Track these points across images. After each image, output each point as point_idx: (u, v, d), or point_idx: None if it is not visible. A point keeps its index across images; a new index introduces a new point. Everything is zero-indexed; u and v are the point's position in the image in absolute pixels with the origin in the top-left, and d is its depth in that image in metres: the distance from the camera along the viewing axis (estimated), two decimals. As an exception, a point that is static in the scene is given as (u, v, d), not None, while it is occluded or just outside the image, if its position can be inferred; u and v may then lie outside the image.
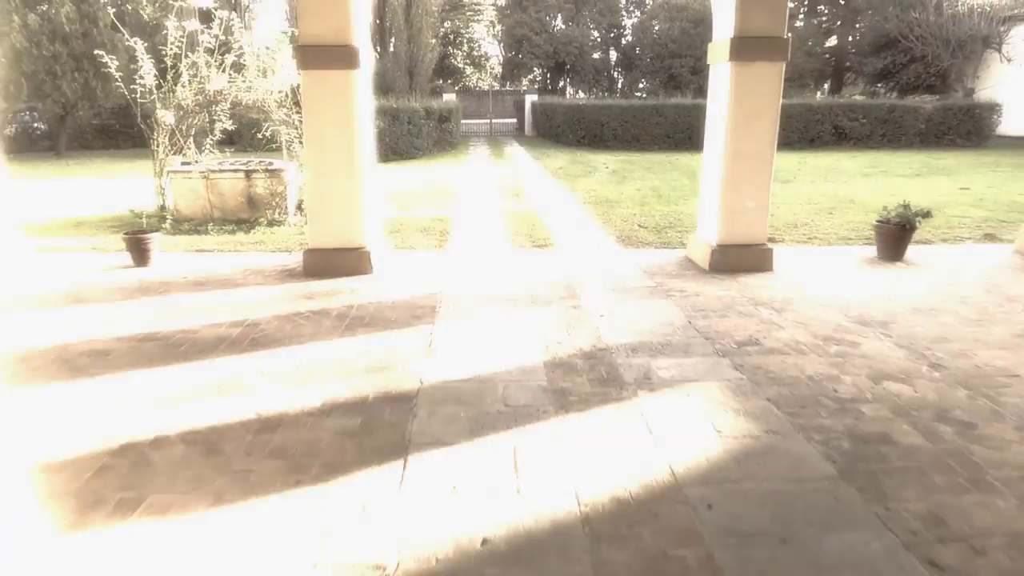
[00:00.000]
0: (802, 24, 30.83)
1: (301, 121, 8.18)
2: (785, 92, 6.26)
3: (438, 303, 4.89)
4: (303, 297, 5.06)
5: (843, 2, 30.52)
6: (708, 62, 5.94)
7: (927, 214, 6.12)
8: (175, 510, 2.37)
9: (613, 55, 35.58)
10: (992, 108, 19.76)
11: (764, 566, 2.09)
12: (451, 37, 38.04)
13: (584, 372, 3.62)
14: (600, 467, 2.65)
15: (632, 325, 4.40)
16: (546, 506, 2.38)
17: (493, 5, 36.34)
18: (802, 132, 19.27)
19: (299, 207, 8.43)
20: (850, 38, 30.38)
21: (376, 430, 2.96)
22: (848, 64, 29.96)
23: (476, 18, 37.62)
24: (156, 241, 6.15)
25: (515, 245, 7.01)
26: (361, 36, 5.54)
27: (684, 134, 19.45)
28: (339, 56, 5.37)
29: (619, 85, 34.74)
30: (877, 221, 6.30)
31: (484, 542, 2.19)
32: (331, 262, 5.64)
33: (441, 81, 35.11)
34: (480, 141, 24.55)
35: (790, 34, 5.50)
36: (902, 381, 3.48)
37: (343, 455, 2.75)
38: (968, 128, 19.57)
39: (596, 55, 34.33)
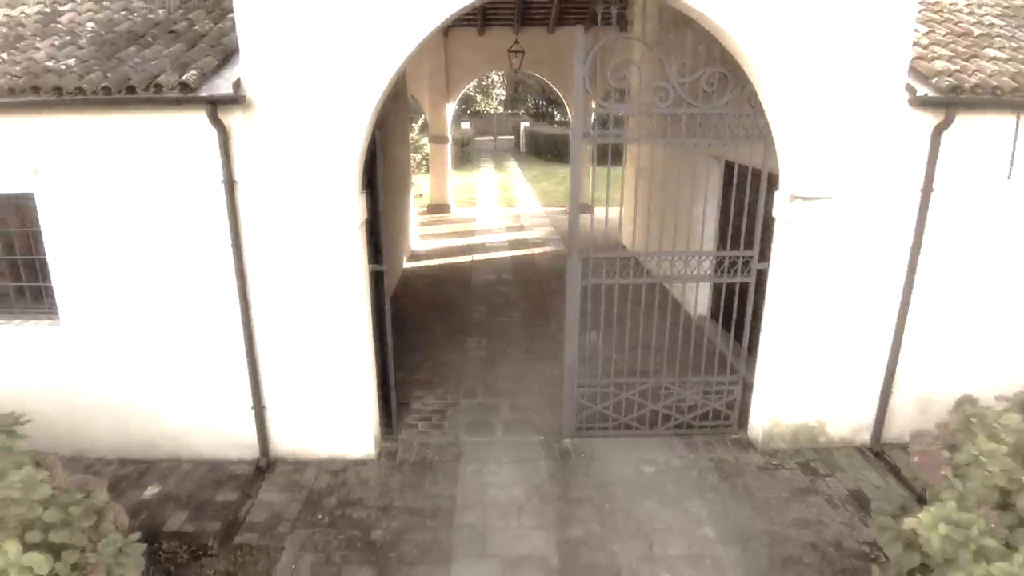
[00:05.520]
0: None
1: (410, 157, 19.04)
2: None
3: (476, 218, 15.69)
4: (434, 217, 15.87)
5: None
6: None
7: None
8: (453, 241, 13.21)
9: (591, 87, 46.14)
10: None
11: (547, 265, 12.76)
12: (465, 72, 48.80)
13: (518, 240, 14.43)
14: (518, 255, 13.24)
15: (536, 228, 15.23)
16: (502, 258, 13.02)
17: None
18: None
19: (409, 192, 19.21)
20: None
21: (472, 244, 13.78)
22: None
23: (485, 58, 48.49)
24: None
25: (502, 204, 17.83)
26: (448, 128, 16.35)
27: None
28: (441, 138, 16.18)
29: (594, 112, 45.40)
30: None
31: (487, 260, 12.89)
32: (438, 207, 16.43)
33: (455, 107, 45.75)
34: (487, 158, 35.31)
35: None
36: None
37: (470, 245, 13.57)
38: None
39: (576, 89, 45.02)
